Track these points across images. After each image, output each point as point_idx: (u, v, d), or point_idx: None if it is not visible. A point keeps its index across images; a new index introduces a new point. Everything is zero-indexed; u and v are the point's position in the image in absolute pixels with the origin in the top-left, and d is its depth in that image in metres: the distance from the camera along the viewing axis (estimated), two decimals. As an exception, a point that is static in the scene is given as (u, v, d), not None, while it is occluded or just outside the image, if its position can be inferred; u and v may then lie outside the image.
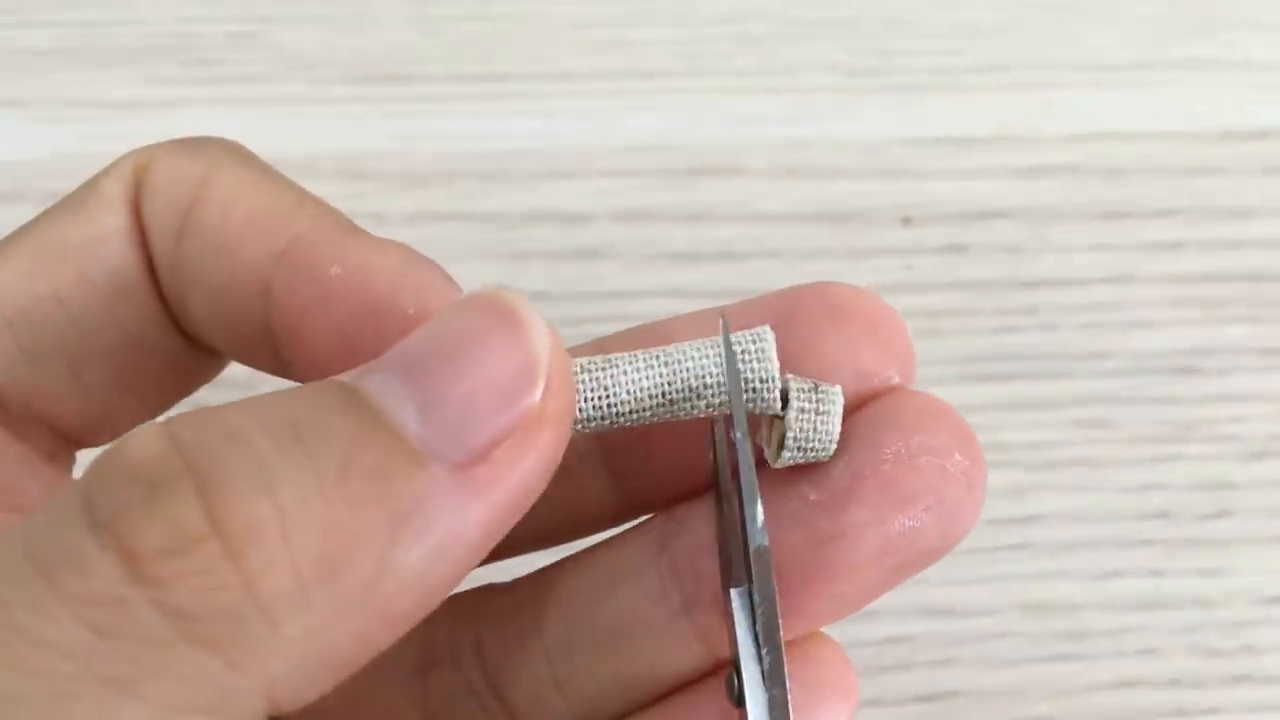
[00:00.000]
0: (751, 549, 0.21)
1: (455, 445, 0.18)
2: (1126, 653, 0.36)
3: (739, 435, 0.22)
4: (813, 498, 0.22)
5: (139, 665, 0.17)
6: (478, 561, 0.19)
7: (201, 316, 0.23)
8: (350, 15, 0.44)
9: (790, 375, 0.22)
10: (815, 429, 0.22)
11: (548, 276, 0.40)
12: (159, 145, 0.24)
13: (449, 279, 0.22)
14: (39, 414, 0.24)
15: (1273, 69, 0.45)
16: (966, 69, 0.44)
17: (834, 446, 0.22)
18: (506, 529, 0.19)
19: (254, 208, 0.23)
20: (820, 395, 0.22)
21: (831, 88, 0.43)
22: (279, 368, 0.23)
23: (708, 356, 0.22)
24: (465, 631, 0.24)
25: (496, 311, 0.19)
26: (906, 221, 0.41)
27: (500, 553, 0.25)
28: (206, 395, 0.26)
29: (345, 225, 0.23)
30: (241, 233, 0.22)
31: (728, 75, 0.44)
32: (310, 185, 0.24)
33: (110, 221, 0.23)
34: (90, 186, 0.24)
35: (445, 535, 0.18)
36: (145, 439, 0.18)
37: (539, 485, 0.19)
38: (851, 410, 0.22)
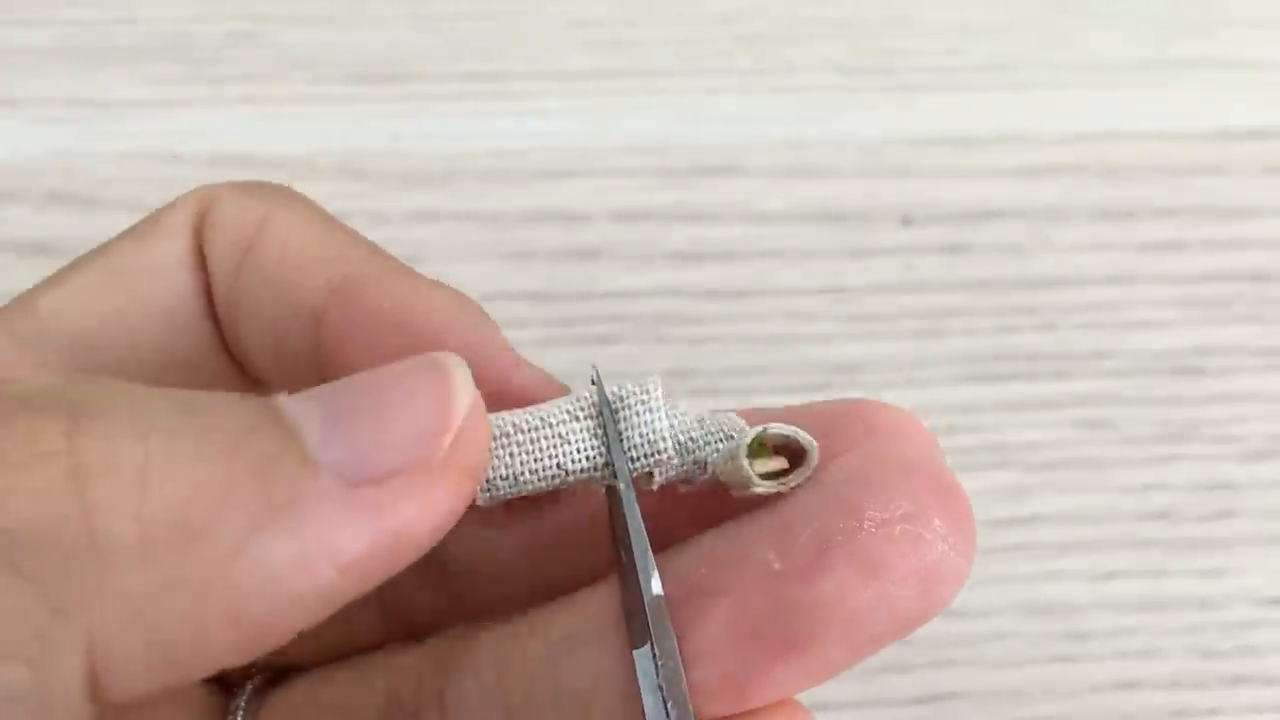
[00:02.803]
0: (646, 602, 0.21)
1: (350, 461, 0.18)
2: (1127, 653, 0.36)
3: (622, 487, 0.21)
4: (778, 567, 0.20)
5: None
6: (340, 597, 0.18)
7: (253, 347, 0.24)
8: (350, 15, 0.44)
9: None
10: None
11: (547, 276, 0.40)
12: (223, 185, 0.25)
13: (491, 322, 0.22)
14: None
15: (1273, 69, 0.45)
16: (966, 69, 0.44)
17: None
18: (381, 572, 0.19)
19: (310, 244, 0.23)
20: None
21: (831, 87, 0.43)
22: None
23: (648, 421, 0.22)
24: (429, 682, 0.23)
25: (427, 364, 0.20)
26: (906, 221, 0.41)
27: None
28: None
29: (398, 265, 0.23)
30: (298, 267, 0.23)
31: (728, 75, 0.43)
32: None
33: (172, 250, 0.24)
34: (154, 218, 0.24)
35: (315, 543, 0.18)
36: (39, 378, 0.19)
37: (429, 532, 0.19)
38: (826, 460, 0.21)
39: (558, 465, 0.21)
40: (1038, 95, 0.44)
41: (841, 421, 0.22)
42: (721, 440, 0.22)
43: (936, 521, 0.20)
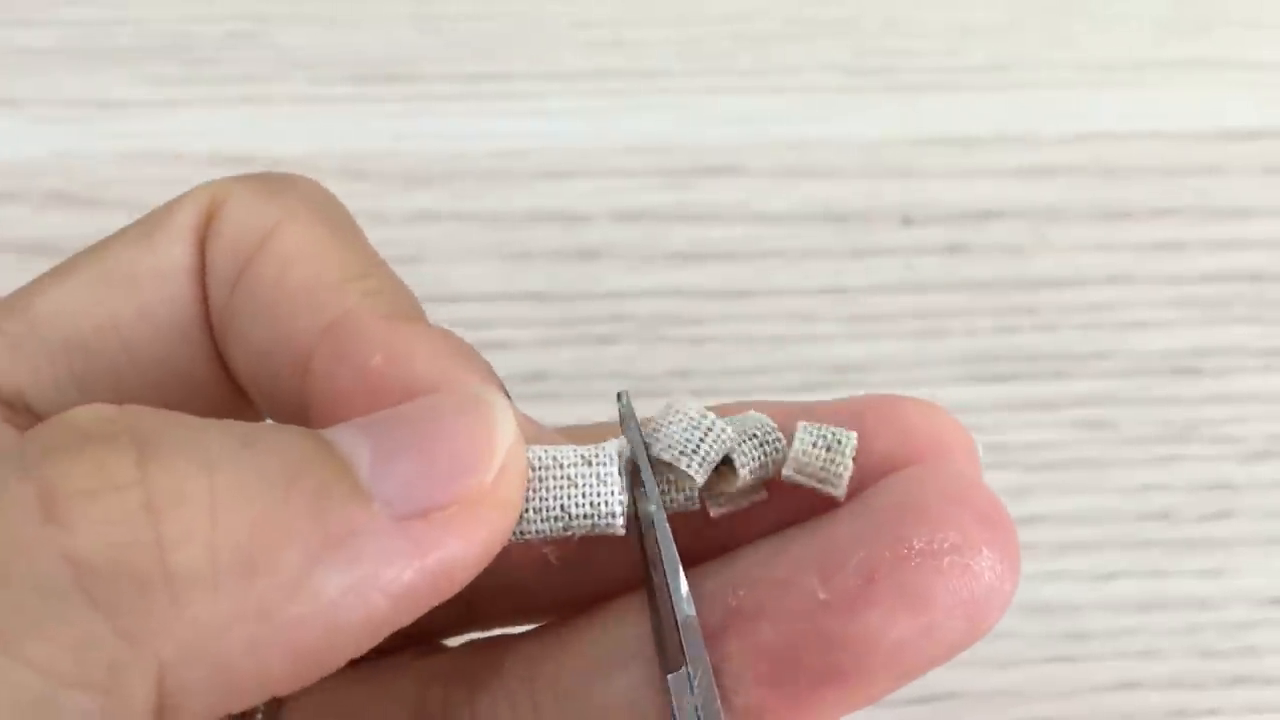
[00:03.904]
0: (679, 621, 0.20)
1: (400, 496, 0.19)
2: (1127, 654, 0.36)
3: (653, 508, 0.21)
4: (822, 596, 0.20)
5: (27, 618, 0.16)
6: (390, 626, 0.19)
7: (241, 371, 0.23)
8: (350, 15, 0.44)
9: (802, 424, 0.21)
10: (822, 459, 0.21)
11: (548, 276, 0.40)
12: (238, 180, 0.24)
13: (491, 374, 0.22)
14: None
15: (1271, 69, 0.45)
16: (966, 69, 0.44)
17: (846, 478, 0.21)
18: (429, 601, 0.19)
19: (311, 273, 0.22)
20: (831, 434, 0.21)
21: (832, 87, 0.43)
22: None
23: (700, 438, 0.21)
24: (459, 693, 0.23)
25: (468, 399, 0.20)
26: (907, 221, 0.41)
27: (522, 616, 0.25)
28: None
29: (398, 305, 0.22)
30: (293, 299, 0.22)
31: (728, 75, 0.44)
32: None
33: (176, 255, 0.23)
34: (163, 214, 0.24)
35: (369, 576, 0.18)
36: (92, 406, 0.18)
37: (473, 564, 0.19)
38: (876, 478, 0.21)
39: (561, 508, 0.21)
40: (1038, 95, 0.44)
41: (871, 422, 0.21)
42: (756, 440, 0.21)
43: (985, 552, 0.20)
